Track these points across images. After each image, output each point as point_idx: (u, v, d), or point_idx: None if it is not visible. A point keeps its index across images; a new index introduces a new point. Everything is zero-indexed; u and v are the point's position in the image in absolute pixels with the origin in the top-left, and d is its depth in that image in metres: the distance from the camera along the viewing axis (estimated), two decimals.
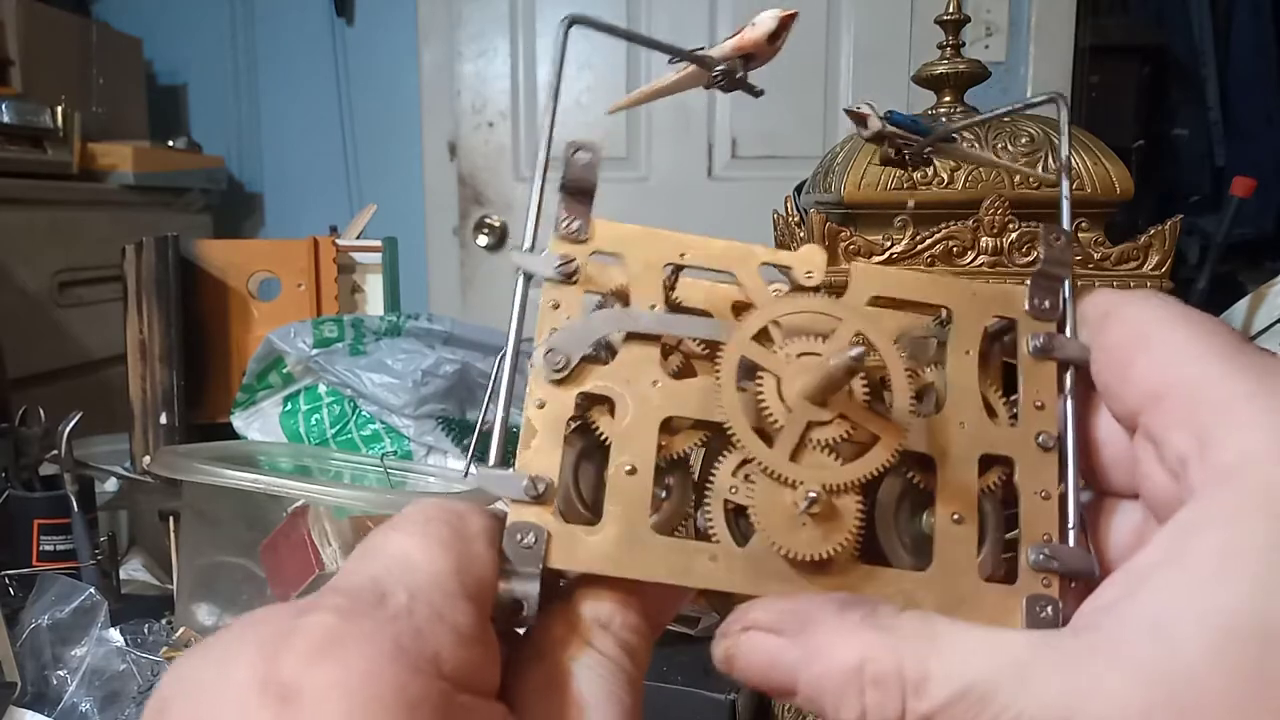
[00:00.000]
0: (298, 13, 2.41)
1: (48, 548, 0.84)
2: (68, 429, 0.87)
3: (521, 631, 0.26)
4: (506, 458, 0.27)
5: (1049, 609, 0.27)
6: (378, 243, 1.30)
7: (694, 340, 0.29)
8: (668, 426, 0.28)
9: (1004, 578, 0.28)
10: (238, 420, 1.08)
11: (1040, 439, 0.29)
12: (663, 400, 0.28)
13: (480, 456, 0.29)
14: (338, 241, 1.27)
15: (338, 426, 1.04)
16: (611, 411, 0.28)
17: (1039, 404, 0.29)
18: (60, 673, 0.71)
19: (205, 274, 1.19)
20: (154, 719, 0.20)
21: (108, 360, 1.59)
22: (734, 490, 0.27)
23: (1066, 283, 0.30)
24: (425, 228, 2.35)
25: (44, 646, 0.72)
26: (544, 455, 0.27)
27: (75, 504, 0.85)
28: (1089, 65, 2.05)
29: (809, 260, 0.30)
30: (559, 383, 0.28)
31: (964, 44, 0.61)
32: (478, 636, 0.23)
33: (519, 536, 0.26)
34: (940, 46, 0.61)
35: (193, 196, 2.21)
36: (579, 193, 0.29)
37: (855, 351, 0.25)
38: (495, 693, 0.24)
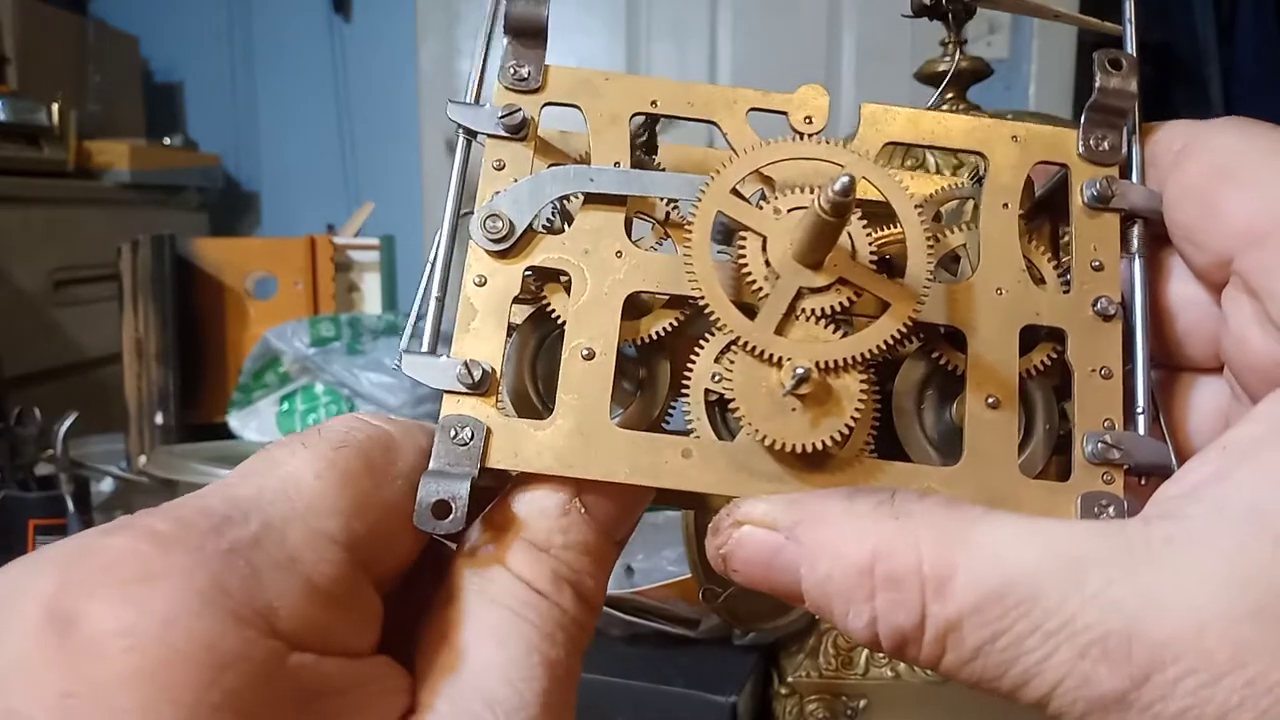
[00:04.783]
0: (295, 9, 2.40)
1: None
2: (63, 429, 0.86)
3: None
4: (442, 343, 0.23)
5: (1110, 509, 0.22)
6: (375, 241, 1.30)
7: (670, 205, 0.25)
8: (637, 304, 0.24)
9: (1056, 476, 0.23)
10: (234, 420, 1.08)
11: (1099, 306, 0.24)
12: (628, 272, 0.23)
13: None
14: (335, 240, 1.27)
15: None
16: (569, 289, 0.24)
17: (1096, 264, 0.24)
18: None
19: (201, 273, 1.19)
20: None
21: (104, 359, 1.58)
22: (717, 379, 0.23)
23: (1131, 119, 0.25)
24: (423, 226, 2.34)
25: None
26: (484, 339, 0.23)
27: (71, 504, 0.84)
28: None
29: (807, 103, 0.25)
30: (502, 255, 0.24)
31: (966, 41, 0.61)
32: (339, 594, 0.19)
33: (453, 432, 0.22)
34: (942, 44, 0.61)
35: (189, 195, 2.20)
36: (526, 33, 0.25)
37: (841, 182, 0.20)
38: (367, 653, 0.20)
